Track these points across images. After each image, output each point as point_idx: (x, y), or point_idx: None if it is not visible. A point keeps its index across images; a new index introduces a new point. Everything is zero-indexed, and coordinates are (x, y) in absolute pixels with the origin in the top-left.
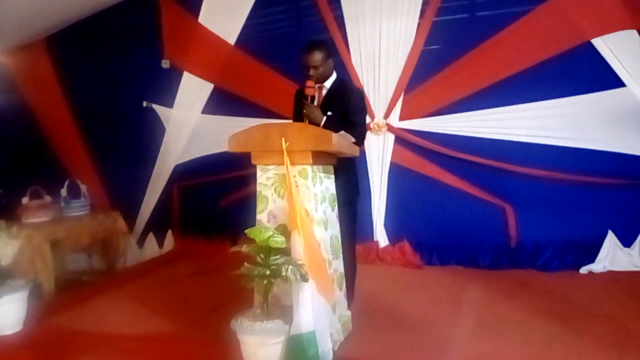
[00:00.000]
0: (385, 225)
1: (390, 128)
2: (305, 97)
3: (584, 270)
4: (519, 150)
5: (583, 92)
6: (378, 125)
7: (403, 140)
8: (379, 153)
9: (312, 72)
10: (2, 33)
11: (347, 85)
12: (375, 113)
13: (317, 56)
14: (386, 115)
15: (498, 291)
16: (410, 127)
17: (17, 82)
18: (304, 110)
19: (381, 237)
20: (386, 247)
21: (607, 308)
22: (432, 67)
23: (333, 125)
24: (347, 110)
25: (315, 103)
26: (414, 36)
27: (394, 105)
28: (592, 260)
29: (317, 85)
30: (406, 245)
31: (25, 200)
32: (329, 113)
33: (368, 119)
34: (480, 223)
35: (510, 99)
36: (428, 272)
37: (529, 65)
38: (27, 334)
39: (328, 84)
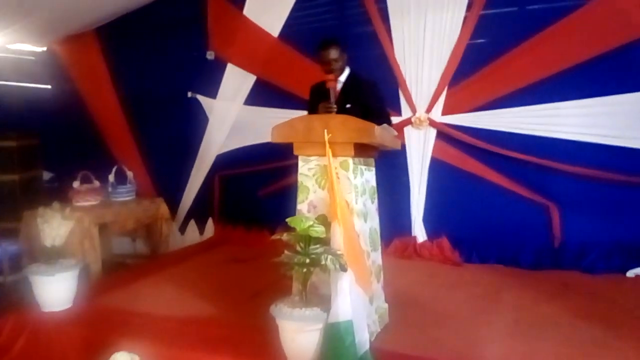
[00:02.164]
0: (424, 221)
1: (432, 122)
2: (325, 91)
3: (630, 273)
4: (566, 148)
5: (635, 90)
6: (419, 120)
7: (445, 135)
8: (419, 148)
9: (333, 65)
10: (54, 23)
11: (360, 78)
12: (417, 107)
13: (334, 50)
14: (428, 110)
15: (540, 291)
16: (453, 122)
17: (68, 72)
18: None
19: (419, 232)
20: (424, 242)
21: None
22: (478, 61)
23: (354, 115)
24: (366, 100)
25: (332, 96)
26: (459, 29)
27: (437, 99)
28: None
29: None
30: (445, 242)
31: (76, 184)
32: (348, 106)
33: (409, 113)
34: (523, 221)
35: (559, 96)
36: (467, 269)
37: (580, 61)
38: (77, 312)
39: (342, 78)
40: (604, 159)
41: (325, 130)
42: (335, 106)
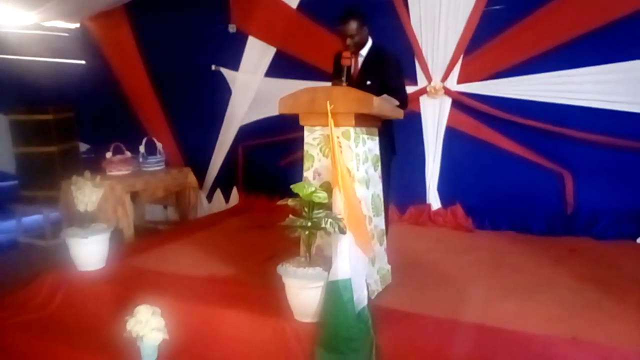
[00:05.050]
0: (439, 189)
1: (447, 91)
2: (342, 67)
3: None
4: (581, 115)
5: None
6: (435, 89)
7: (460, 103)
8: (434, 116)
9: (348, 41)
10: (86, 0)
11: (382, 51)
12: (433, 76)
13: (353, 25)
14: (444, 78)
15: (546, 256)
16: (468, 91)
17: (101, 47)
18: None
19: (434, 200)
20: (438, 210)
21: None
22: (494, 28)
23: (373, 93)
24: (385, 77)
25: (352, 72)
26: None
27: (452, 68)
28: None
29: (351, 55)
30: (458, 209)
31: (108, 155)
32: (368, 83)
33: (425, 82)
34: (536, 189)
35: (575, 62)
36: (478, 235)
37: (595, 28)
38: (109, 271)
39: (364, 51)
40: (619, 125)
41: (328, 102)
42: (344, 83)
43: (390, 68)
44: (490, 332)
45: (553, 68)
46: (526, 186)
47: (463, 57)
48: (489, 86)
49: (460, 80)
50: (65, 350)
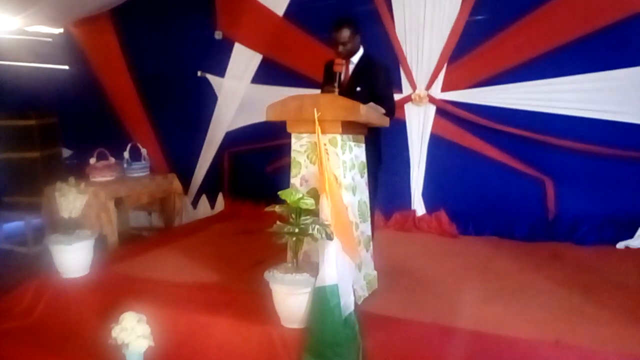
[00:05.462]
0: (423, 195)
1: (432, 99)
2: (333, 72)
3: (620, 245)
4: (561, 124)
5: (629, 65)
6: (419, 97)
7: (444, 111)
8: (419, 124)
9: (340, 48)
10: (70, 5)
11: (373, 60)
12: (417, 84)
13: (346, 32)
14: (428, 87)
15: (528, 262)
16: (452, 99)
17: (85, 52)
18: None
19: (419, 206)
20: (423, 215)
21: (635, 282)
22: (478, 37)
23: (362, 100)
24: (374, 85)
25: (342, 78)
26: (459, 5)
27: (437, 76)
28: (631, 235)
29: (343, 62)
30: (443, 215)
31: (92, 160)
32: (358, 89)
33: (410, 90)
34: (519, 195)
35: (556, 71)
36: (462, 241)
37: (576, 38)
38: (92, 278)
39: (355, 59)
40: (598, 133)
41: (315, 109)
42: (336, 89)
43: (380, 77)
44: (475, 336)
45: (536, 77)
46: (509, 193)
47: (447, 66)
48: (473, 94)
49: (445, 89)
50: (49, 358)
